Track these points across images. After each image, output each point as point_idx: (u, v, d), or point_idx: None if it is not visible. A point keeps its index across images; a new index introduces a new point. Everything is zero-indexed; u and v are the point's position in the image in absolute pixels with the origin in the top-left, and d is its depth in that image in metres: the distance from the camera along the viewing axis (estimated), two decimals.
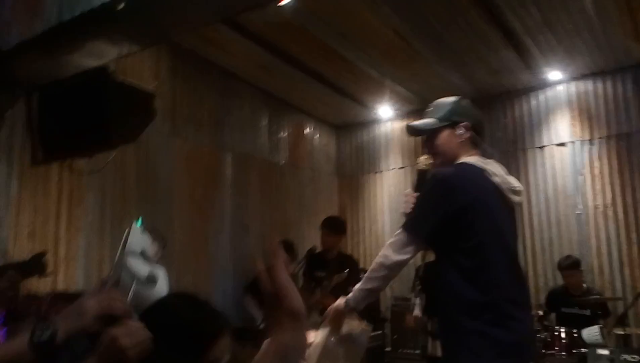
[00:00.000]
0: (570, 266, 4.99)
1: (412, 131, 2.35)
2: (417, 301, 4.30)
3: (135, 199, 4.58)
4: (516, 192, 2.17)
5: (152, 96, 3.53)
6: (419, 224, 2.08)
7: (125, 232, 1.46)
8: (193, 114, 5.34)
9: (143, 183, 4.69)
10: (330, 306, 2.24)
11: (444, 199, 2.03)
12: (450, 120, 2.22)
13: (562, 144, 6.06)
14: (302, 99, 6.64)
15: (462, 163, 2.16)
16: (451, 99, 2.29)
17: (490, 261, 2.00)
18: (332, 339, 1.87)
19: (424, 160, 2.30)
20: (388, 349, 5.73)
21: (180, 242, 4.91)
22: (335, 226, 5.11)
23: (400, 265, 2.07)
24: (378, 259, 2.11)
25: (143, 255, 1.40)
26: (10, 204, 3.56)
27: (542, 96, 6.25)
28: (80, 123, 3.31)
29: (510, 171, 6.43)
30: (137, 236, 1.45)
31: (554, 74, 5.96)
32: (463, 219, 2.00)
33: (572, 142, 6.00)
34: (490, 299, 1.96)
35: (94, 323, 1.24)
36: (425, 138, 2.29)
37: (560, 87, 6.14)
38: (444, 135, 2.22)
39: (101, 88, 3.31)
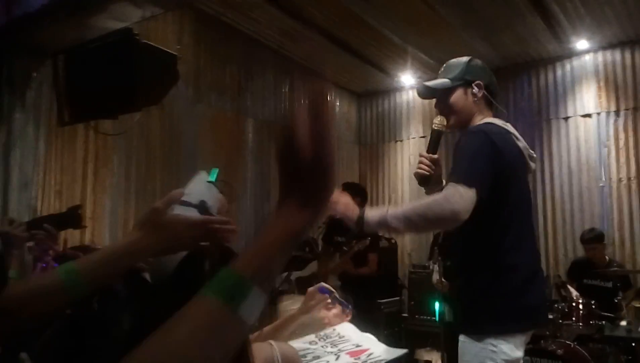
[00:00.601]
0: (593, 239, 4.96)
1: (424, 91, 2.27)
2: (436, 267, 4.33)
3: (159, 161, 4.67)
4: (533, 159, 2.17)
5: (175, 59, 3.56)
6: (479, 177, 1.89)
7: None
8: (216, 79, 5.37)
9: (167, 147, 4.76)
10: (345, 202, 1.98)
11: (493, 152, 1.94)
12: (463, 79, 2.17)
13: (587, 115, 5.96)
14: (324, 66, 6.59)
15: (489, 123, 2.10)
16: (464, 58, 2.24)
17: (517, 225, 2.01)
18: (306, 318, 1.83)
19: (439, 121, 2.23)
20: (405, 315, 5.81)
21: None
22: (352, 189, 5.13)
23: (460, 221, 1.86)
24: (439, 209, 1.86)
25: (201, 207, 1.34)
26: (37, 164, 3.64)
27: (569, 66, 6.14)
28: (106, 84, 3.36)
29: (534, 142, 6.32)
30: (201, 187, 1.40)
31: (581, 43, 5.84)
32: (501, 178, 1.94)
33: (598, 113, 5.90)
34: (515, 263, 1.97)
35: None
36: (438, 99, 2.24)
37: (587, 57, 6.02)
38: (458, 94, 2.17)
39: (125, 50, 3.34)
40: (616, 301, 4.51)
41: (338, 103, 7.26)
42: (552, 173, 6.07)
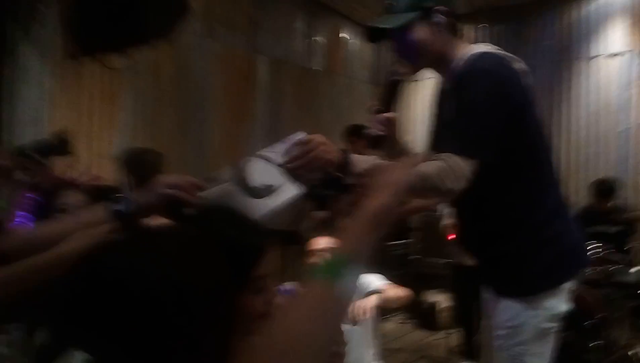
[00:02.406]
0: (604, 193, 4.88)
1: (373, 34, 1.81)
2: (446, 211, 4.24)
3: (169, 99, 4.56)
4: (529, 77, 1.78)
5: None
6: (484, 142, 1.57)
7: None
8: (227, 14, 5.16)
9: (177, 84, 4.64)
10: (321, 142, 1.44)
11: (502, 99, 1.60)
12: (421, 7, 1.69)
13: (614, 55, 5.72)
14: (340, 0, 6.35)
15: (488, 54, 1.68)
16: None
17: (546, 164, 1.76)
18: None
19: (395, 69, 1.87)
20: (414, 257, 5.79)
21: (213, 145, 4.92)
22: (357, 132, 4.97)
23: (453, 194, 1.58)
24: (432, 182, 1.51)
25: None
26: (44, 99, 3.55)
27: (598, 2, 5.84)
28: (114, 16, 3.21)
29: (560, 82, 6.12)
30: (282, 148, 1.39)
31: None
32: (517, 118, 1.64)
33: (626, 52, 5.65)
34: (557, 206, 1.75)
35: (159, 203, 1.19)
36: (395, 41, 1.79)
37: None
38: (420, 30, 1.70)
39: None
40: (627, 247, 4.46)
41: (354, 41, 7.02)
42: (571, 116, 5.89)
